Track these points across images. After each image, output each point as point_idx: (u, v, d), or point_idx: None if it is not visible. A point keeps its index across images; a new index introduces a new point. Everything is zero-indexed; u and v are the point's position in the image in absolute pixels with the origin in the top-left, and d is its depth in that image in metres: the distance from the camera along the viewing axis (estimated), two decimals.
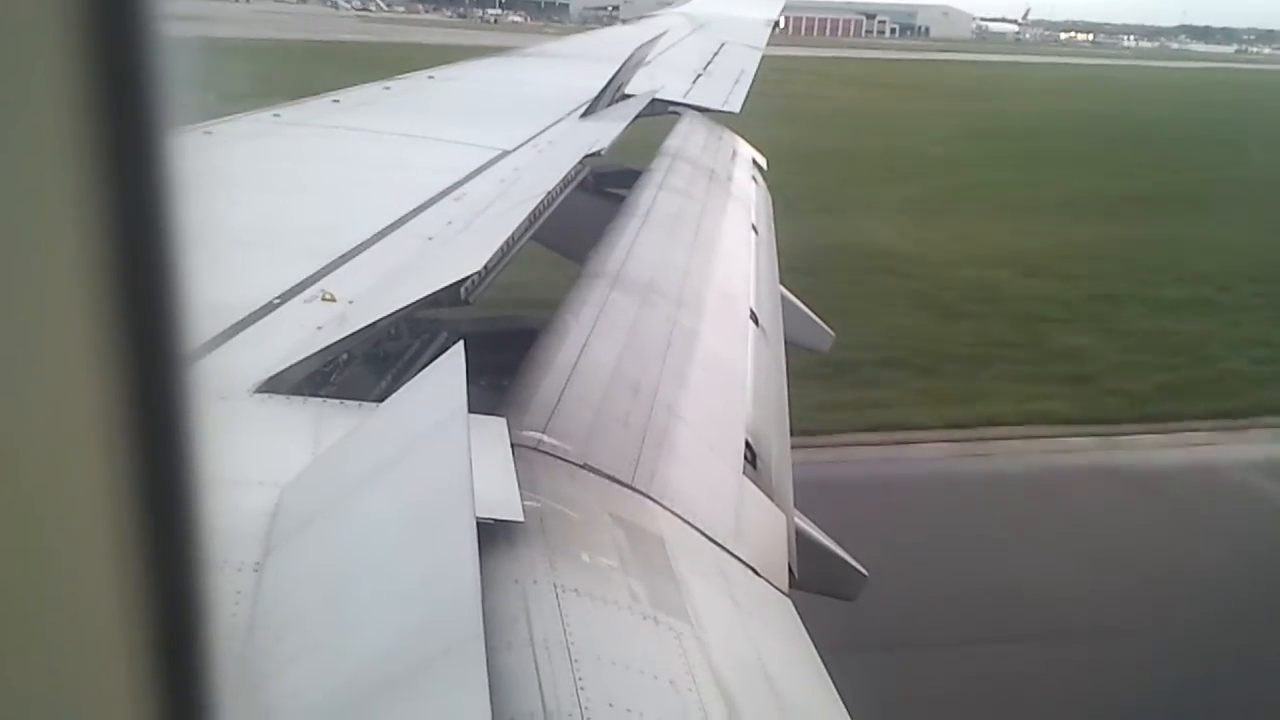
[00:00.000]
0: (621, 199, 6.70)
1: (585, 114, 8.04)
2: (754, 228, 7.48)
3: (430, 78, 10.28)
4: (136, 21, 0.65)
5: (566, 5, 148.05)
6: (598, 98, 8.19)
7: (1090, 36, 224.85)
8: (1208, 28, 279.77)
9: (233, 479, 2.60)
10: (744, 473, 3.81)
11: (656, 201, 6.62)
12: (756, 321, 5.52)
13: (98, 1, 0.63)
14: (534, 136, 7.48)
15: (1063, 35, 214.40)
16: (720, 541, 3.25)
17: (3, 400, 0.65)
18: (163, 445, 0.71)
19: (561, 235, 6.16)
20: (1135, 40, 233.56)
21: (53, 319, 0.65)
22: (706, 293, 5.46)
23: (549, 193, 5.00)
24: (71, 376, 0.66)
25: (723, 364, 4.81)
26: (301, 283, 4.06)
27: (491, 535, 2.41)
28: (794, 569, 3.52)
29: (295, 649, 2.09)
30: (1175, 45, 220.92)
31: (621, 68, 8.45)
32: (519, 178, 6.06)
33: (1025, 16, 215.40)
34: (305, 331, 3.58)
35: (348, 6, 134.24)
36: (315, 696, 1.92)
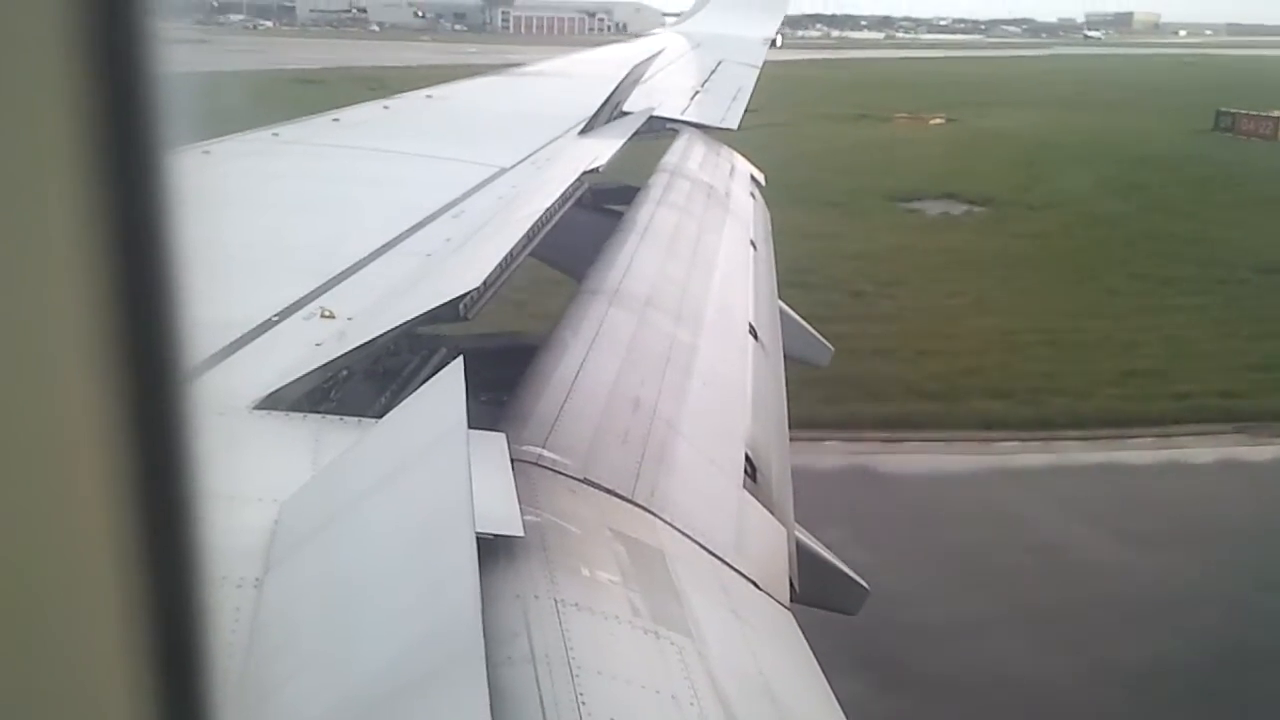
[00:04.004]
0: (620, 215, 6.72)
1: (583, 131, 8.06)
2: (752, 243, 7.50)
3: (429, 96, 10.32)
4: (135, 44, 0.66)
5: (293, 8, 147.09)
6: (596, 115, 8.22)
7: None
8: (834, 15, 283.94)
9: (232, 495, 2.60)
10: (744, 486, 3.80)
11: (655, 218, 6.63)
12: (756, 336, 5.53)
13: (97, 23, 0.63)
14: (532, 153, 7.51)
15: None
16: (721, 555, 3.24)
17: (4, 416, 0.65)
18: (163, 462, 0.71)
19: (560, 251, 6.17)
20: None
21: (54, 336, 0.65)
22: (705, 308, 5.46)
23: (547, 209, 5.02)
24: (72, 393, 0.66)
25: (722, 378, 4.82)
26: (300, 300, 4.07)
27: (492, 550, 2.40)
28: (794, 583, 3.51)
29: (295, 665, 2.08)
30: (816, 33, 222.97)
31: (619, 85, 8.48)
32: (517, 194, 6.08)
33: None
34: (304, 348, 3.58)
35: None
36: (315, 712, 1.91)
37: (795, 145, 40.82)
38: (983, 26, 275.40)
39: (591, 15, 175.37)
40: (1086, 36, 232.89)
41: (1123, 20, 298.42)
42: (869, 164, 37.31)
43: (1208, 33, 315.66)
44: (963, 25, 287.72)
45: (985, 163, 37.76)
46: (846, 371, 16.52)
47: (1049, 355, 17.87)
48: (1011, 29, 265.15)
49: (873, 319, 19.63)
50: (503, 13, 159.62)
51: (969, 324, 19.48)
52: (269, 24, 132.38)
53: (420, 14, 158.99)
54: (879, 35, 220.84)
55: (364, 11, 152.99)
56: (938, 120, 52.32)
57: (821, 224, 27.12)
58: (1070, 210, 29.83)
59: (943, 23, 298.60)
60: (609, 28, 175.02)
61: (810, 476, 13.37)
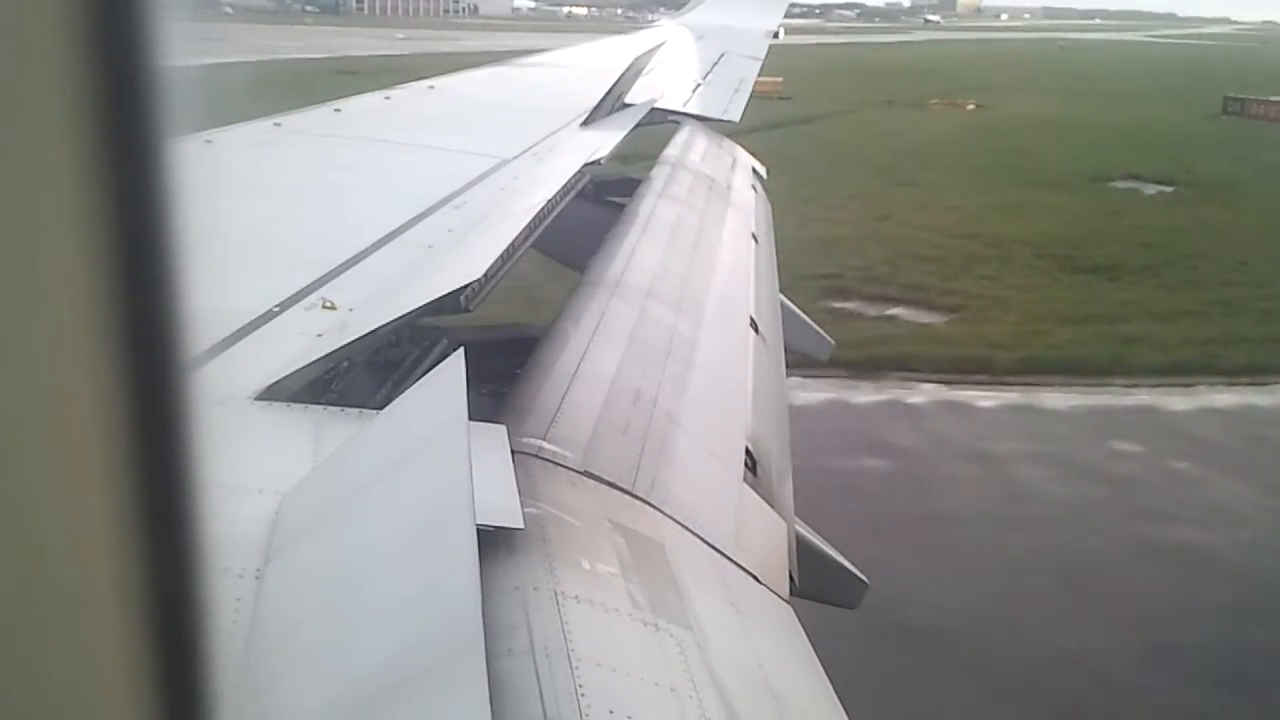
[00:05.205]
0: (621, 207, 6.71)
1: (585, 123, 8.05)
2: (754, 236, 7.49)
3: (431, 87, 10.30)
4: (137, 33, 0.66)
5: None
6: (597, 107, 8.20)
7: (586, 10, 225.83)
8: None
9: (233, 486, 2.60)
10: (744, 480, 3.81)
11: (656, 210, 6.63)
12: (756, 329, 5.53)
13: (98, 13, 0.63)
14: (534, 145, 7.50)
15: (564, 10, 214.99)
16: (721, 548, 3.25)
17: (3, 408, 0.65)
18: (163, 452, 0.71)
19: (561, 243, 6.16)
20: (624, 12, 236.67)
21: (54, 327, 0.65)
22: (706, 300, 5.46)
23: (549, 201, 5.01)
24: (72, 384, 0.66)
25: (723, 371, 4.82)
26: (302, 290, 4.07)
27: (492, 542, 2.40)
28: (794, 576, 3.52)
29: (295, 656, 2.08)
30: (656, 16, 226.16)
31: (621, 77, 8.46)
32: (519, 186, 6.07)
33: None
34: (306, 339, 3.58)
35: None
36: (315, 703, 1.92)
37: (905, 134, 42.11)
38: (817, 11, 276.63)
39: None
40: (927, 21, 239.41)
41: (948, 4, 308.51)
42: (1005, 148, 38.85)
43: (1026, 16, 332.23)
44: (799, 10, 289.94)
45: (1094, 147, 39.15)
46: None
47: None
48: (846, 14, 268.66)
49: None
50: None
51: None
52: None
53: None
54: None
55: None
56: (971, 106, 54.00)
57: (1083, 205, 29.16)
58: (1249, 189, 32.02)
59: None
60: (463, 10, 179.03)
61: None
